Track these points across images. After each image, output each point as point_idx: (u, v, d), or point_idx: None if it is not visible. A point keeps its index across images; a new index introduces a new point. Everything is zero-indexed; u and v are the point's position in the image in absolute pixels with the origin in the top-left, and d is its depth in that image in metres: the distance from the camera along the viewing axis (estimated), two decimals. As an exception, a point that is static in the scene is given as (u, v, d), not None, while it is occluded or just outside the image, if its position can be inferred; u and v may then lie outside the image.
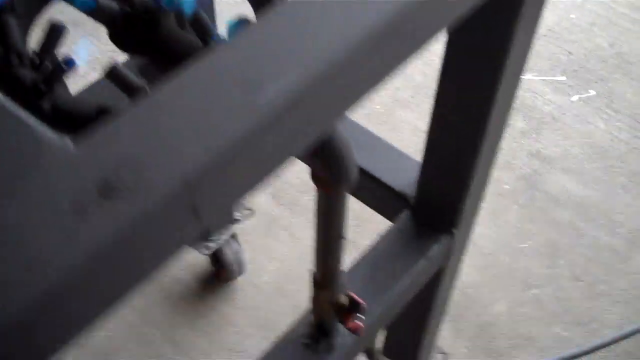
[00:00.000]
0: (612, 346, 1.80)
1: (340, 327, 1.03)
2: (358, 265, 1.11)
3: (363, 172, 1.20)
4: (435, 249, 1.13)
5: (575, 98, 2.30)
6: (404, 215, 1.17)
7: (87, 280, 0.48)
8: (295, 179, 2.05)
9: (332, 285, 0.93)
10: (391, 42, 0.58)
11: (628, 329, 1.78)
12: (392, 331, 1.41)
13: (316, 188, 0.79)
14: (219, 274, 1.82)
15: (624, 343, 1.80)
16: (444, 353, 1.60)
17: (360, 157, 1.20)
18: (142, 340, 1.76)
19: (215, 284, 1.85)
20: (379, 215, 1.24)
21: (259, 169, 0.56)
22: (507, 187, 2.09)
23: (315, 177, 0.77)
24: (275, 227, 1.96)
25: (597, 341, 1.74)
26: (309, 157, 0.74)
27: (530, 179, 2.11)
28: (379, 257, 1.12)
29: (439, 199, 1.14)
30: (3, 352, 0.44)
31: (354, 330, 0.98)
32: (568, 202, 2.06)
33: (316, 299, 0.96)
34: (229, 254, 1.76)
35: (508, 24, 0.83)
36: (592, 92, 2.32)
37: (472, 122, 1.02)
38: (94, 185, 0.48)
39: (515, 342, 1.81)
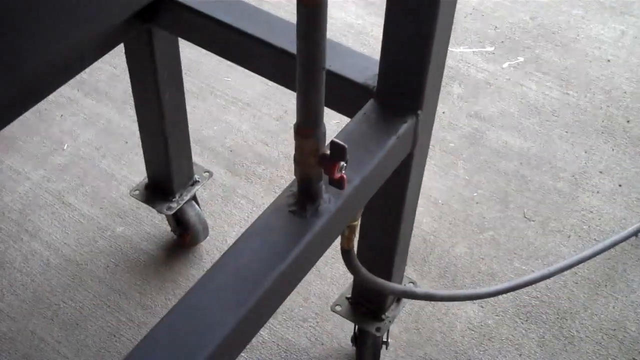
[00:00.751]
0: (571, 273, 1.86)
1: (325, 194, 1.07)
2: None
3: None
4: (404, 128, 1.18)
5: (505, 65, 2.42)
6: (369, 103, 1.22)
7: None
8: (249, 152, 2.09)
9: (315, 132, 0.96)
10: None
11: (583, 254, 1.84)
12: (367, 238, 1.44)
13: (297, 2, 0.83)
14: (184, 239, 1.82)
15: (583, 270, 1.87)
16: (413, 282, 1.63)
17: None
18: (111, 308, 1.75)
19: (179, 251, 1.85)
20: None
21: None
22: (452, 145, 2.16)
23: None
24: (234, 196, 1.98)
25: (557, 265, 1.79)
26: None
27: (472, 137, 2.19)
28: (351, 137, 1.16)
29: (400, 85, 1.19)
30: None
31: (339, 182, 1.01)
32: (511, 154, 2.15)
33: (300, 153, 0.99)
34: (192, 215, 1.77)
35: None
36: (521, 59, 2.44)
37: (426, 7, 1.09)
38: None
39: (478, 279, 1.86)
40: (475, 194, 2.04)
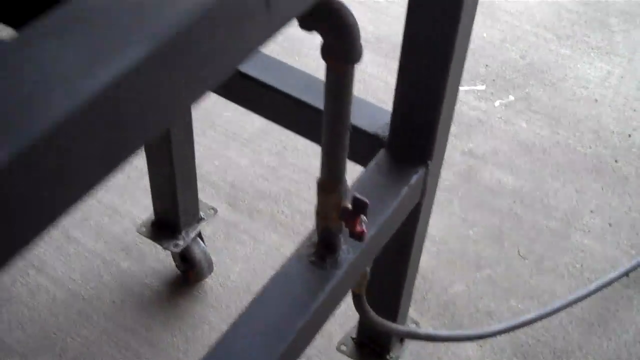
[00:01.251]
0: (566, 312, 1.91)
1: (343, 245, 1.11)
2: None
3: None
4: (415, 179, 1.23)
5: (497, 103, 2.48)
6: (381, 153, 1.27)
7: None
8: (249, 188, 2.13)
9: (338, 187, 1.01)
10: None
11: (577, 293, 1.89)
12: (374, 281, 1.48)
13: (327, 67, 0.88)
14: (188, 275, 1.85)
15: (577, 310, 1.92)
16: (416, 322, 1.68)
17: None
18: (119, 345, 1.77)
19: (183, 287, 1.88)
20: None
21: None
22: (447, 183, 2.22)
23: (326, 51, 0.86)
24: (236, 232, 2.02)
25: (553, 305, 1.84)
26: (323, 31, 0.84)
27: (467, 175, 2.24)
28: (365, 187, 1.21)
29: (411, 136, 1.24)
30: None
31: (359, 235, 1.05)
32: (504, 192, 2.20)
33: (323, 207, 1.04)
34: (197, 252, 1.80)
35: None
36: (512, 98, 2.51)
37: (438, 56, 1.15)
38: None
39: (476, 317, 1.91)
40: (471, 232, 2.09)
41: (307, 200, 2.11)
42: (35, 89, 0.46)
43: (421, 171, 1.25)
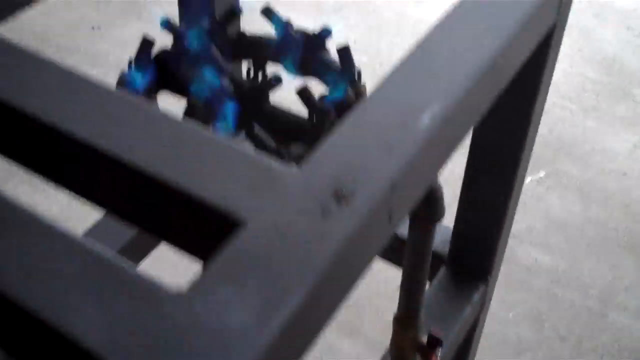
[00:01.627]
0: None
1: (414, 371, 1.16)
2: (415, 317, 1.24)
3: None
4: (476, 296, 1.28)
5: (529, 180, 2.53)
6: (442, 272, 1.32)
7: (335, 271, 0.60)
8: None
9: (416, 324, 1.06)
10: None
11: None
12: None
13: (410, 225, 0.94)
14: None
15: (617, 391, 1.97)
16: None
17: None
18: None
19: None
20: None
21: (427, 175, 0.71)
22: (485, 263, 2.26)
23: (414, 216, 0.92)
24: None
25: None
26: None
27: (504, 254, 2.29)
28: (430, 309, 1.26)
29: (473, 255, 1.30)
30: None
31: (434, 367, 1.10)
32: (540, 271, 2.25)
33: (399, 341, 1.09)
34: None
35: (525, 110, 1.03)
36: (542, 174, 2.56)
37: (501, 183, 1.20)
38: (329, 192, 0.61)
39: (521, 402, 1.95)
40: (511, 315, 2.14)
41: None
42: (216, 341, 0.51)
43: (482, 288, 1.30)
